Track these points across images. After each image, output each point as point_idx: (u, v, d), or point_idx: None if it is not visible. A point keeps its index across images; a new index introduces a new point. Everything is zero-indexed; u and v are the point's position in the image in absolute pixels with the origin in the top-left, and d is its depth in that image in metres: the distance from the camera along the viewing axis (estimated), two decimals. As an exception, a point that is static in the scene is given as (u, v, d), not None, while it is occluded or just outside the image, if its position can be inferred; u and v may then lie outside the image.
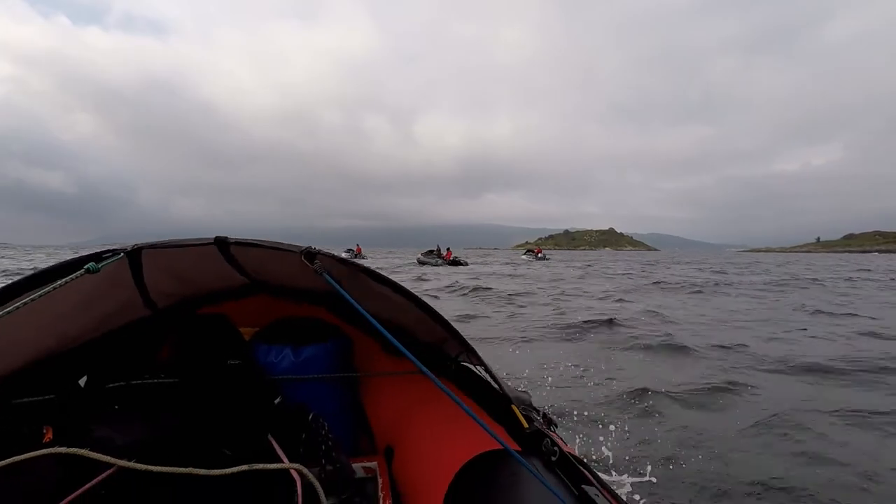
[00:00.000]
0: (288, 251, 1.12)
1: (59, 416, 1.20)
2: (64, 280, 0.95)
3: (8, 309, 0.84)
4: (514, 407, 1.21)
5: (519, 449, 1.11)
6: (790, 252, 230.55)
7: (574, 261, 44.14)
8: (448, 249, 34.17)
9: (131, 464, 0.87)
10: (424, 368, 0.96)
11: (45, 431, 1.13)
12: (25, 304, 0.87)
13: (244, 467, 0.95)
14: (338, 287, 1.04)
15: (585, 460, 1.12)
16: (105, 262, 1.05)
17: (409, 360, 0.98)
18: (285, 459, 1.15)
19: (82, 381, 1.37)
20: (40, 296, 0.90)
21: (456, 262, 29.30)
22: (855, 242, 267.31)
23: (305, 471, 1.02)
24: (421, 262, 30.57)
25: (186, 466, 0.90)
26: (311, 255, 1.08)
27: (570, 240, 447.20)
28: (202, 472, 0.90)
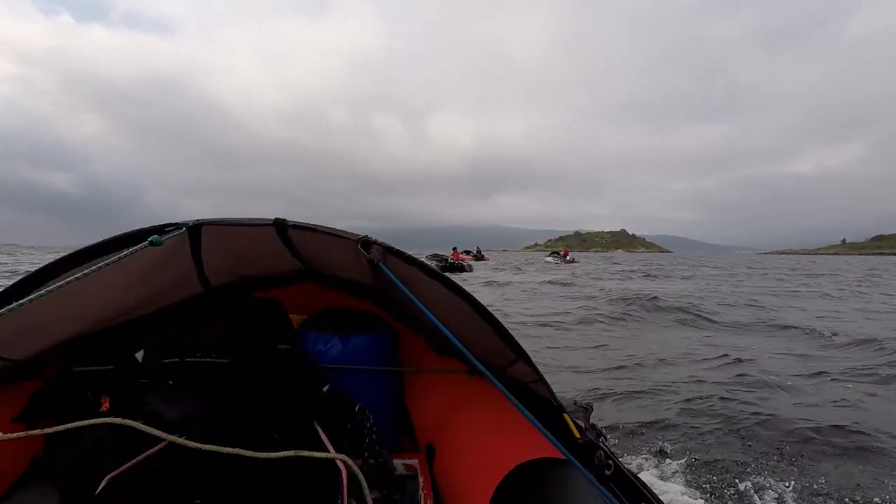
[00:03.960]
0: (345, 238, 1.14)
1: (117, 387, 1.23)
2: (129, 251, 0.98)
3: (77, 275, 0.88)
4: (566, 416, 1.20)
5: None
6: (815, 254, 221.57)
7: (603, 265, 38.49)
8: (454, 250, 28.70)
9: (182, 440, 0.90)
10: (482, 367, 0.97)
11: (102, 400, 1.17)
12: (92, 272, 0.90)
13: (291, 453, 0.96)
14: (392, 277, 1.03)
15: (640, 476, 1.07)
16: (168, 236, 1.07)
17: (456, 359, 1.01)
18: (331, 449, 1.16)
19: (139, 355, 1.39)
20: (106, 265, 0.93)
21: (454, 267, 23.88)
22: (886, 244, 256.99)
23: (351, 462, 1.03)
24: None
25: (235, 447, 0.92)
26: (367, 244, 1.10)
27: (582, 241, 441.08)
28: (249, 453, 0.92)
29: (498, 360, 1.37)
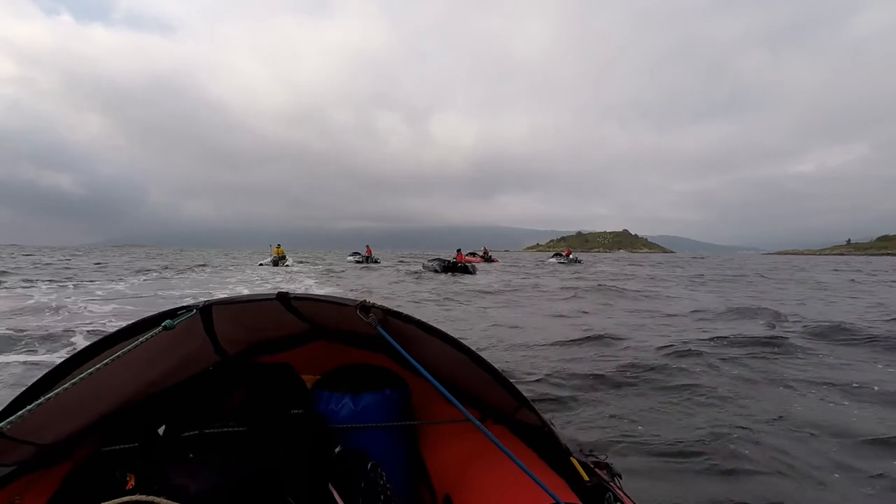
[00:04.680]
0: (343, 305, 1.22)
1: (141, 464, 1.31)
2: (145, 337, 1.08)
3: (99, 365, 0.98)
4: (573, 459, 1.22)
5: (579, 503, 1.12)
6: (821, 255, 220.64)
7: (613, 266, 36.30)
8: (459, 251, 27.76)
9: None
10: (474, 419, 1.02)
11: (128, 479, 1.24)
12: (114, 359, 1.00)
13: None
14: (391, 341, 1.11)
15: None
16: (180, 319, 1.17)
17: (468, 408, 1.03)
18: None
19: (161, 430, 1.48)
20: (124, 353, 1.03)
21: (457, 268, 22.49)
22: (892, 244, 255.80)
23: None
24: (425, 268, 24.85)
25: None
26: (365, 308, 1.16)
27: (584, 241, 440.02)
28: None
29: (502, 407, 1.38)
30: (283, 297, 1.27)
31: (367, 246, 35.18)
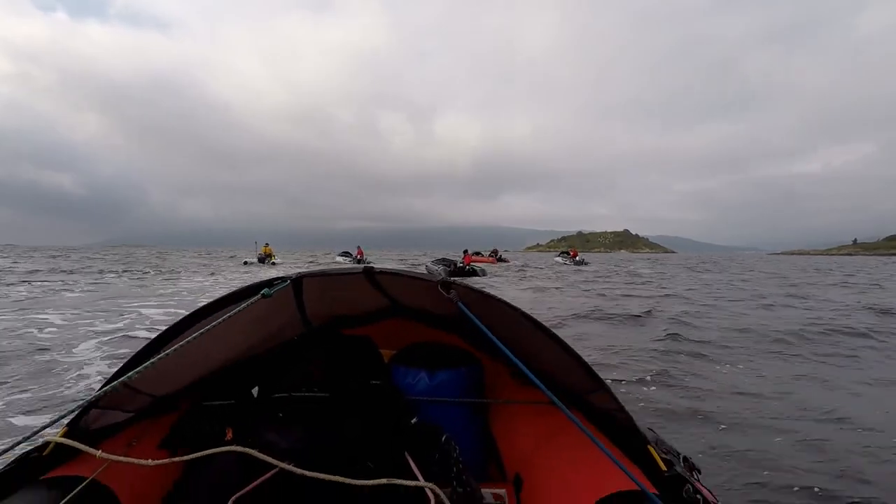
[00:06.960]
0: (426, 280, 1.28)
1: (238, 419, 1.44)
2: (247, 304, 1.18)
3: (209, 326, 1.09)
4: (650, 447, 1.19)
5: (656, 492, 1.08)
6: (828, 255, 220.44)
7: (623, 267, 34.71)
8: (465, 252, 27.55)
9: (290, 467, 1.04)
10: (556, 400, 1.02)
11: (227, 431, 1.39)
12: (221, 321, 1.10)
13: (384, 481, 1.06)
14: (473, 317, 1.13)
15: None
16: (276, 288, 1.27)
17: (540, 390, 1.04)
18: (421, 478, 1.24)
19: (255, 391, 1.63)
20: (229, 317, 1.13)
21: (464, 272, 21.24)
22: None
23: (439, 491, 1.11)
24: (429, 270, 24.72)
25: (335, 474, 1.04)
26: (446, 284, 1.21)
27: (585, 241, 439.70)
28: (348, 480, 1.03)
29: (577, 390, 1.41)
30: (368, 272, 1.38)
31: (359, 246, 32.07)
